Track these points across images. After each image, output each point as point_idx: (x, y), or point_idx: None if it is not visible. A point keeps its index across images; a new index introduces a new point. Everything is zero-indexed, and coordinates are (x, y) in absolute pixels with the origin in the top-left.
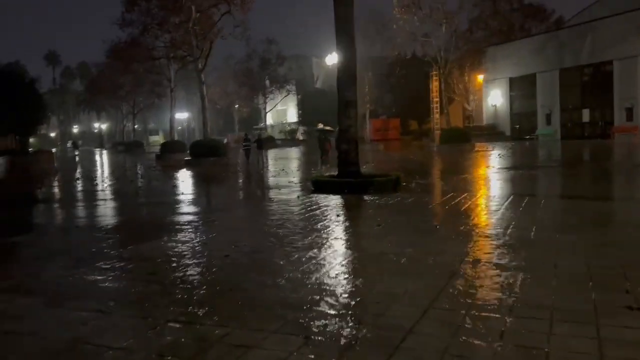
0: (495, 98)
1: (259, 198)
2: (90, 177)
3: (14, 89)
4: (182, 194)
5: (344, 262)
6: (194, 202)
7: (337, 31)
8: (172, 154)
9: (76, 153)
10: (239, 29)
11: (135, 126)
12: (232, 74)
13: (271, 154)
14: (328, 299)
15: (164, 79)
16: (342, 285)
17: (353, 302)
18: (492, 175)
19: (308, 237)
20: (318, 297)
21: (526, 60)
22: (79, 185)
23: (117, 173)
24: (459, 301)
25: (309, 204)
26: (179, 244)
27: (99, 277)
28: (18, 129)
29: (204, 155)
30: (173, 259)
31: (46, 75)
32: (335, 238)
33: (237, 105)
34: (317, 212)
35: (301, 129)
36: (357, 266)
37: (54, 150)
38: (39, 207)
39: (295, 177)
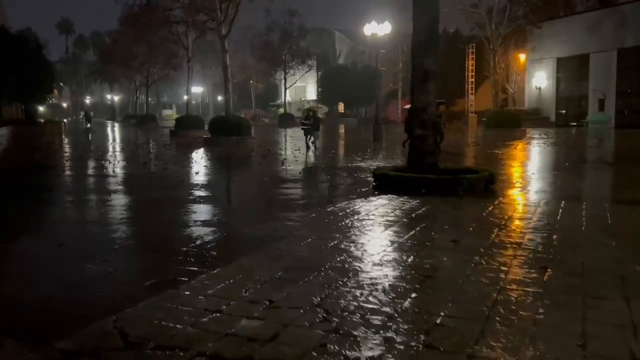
0: (539, 80)
1: (310, 199)
2: (98, 156)
3: (19, 55)
4: (205, 184)
5: None
6: (221, 202)
7: None
8: (187, 130)
9: (88, 126)
10: None
11: (149, 99)
12: (251, 47)
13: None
14: None
15: (181, 47)
16: None
17: None
18: (601, 172)
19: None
20: None
21: (577, 39)
22: (84, 167)
23: (128, 151)
24: None
25: (386, 214)
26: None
27: None
28: (24, 98)
29: (225, 133)
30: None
31: (59, 44)
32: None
33: (252, 81)
34: (414, 235)
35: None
36: None
37: (65, 121)
38: (22, 206)
39: (343, 165)
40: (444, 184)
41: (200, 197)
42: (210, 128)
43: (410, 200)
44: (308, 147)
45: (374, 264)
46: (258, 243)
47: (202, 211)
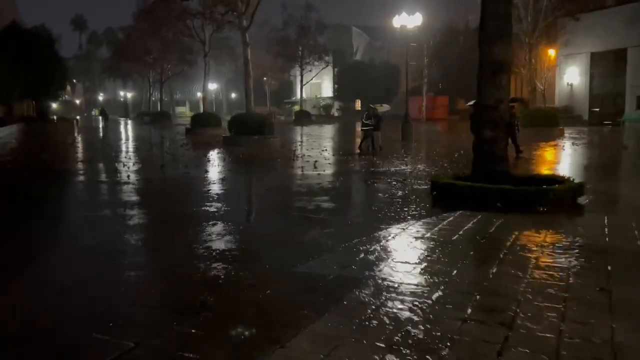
0: (571, 76)
1: (368, 217)
2: (111, 158)
3: (30, 50)
4: (234, 196)
5: None
6: (258, 223)
7: None
8: (204, 129)
9: (101, 125)
10: None
11: (162, 96)
12: (266, 43)
13: (317, 131)
14: None
15: (196, 42)
16: None
17: None
18: None
19: None
20: None
21: (614, 33)
22: (95, 171)
23: (143, 151)
24: None
25: (485, 243)
26: None
27: None
28: (35, 94)
29: (246, 132)
30: None
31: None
32: None
33: (265, 78)
34: (542, 280)
35: (337, 104)
36: None
37: (77, 118)
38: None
39: (382, 169)
40: (526, 196)
41: (231, 214)
42: (230, 126)
43: (494, 220)
44: (368, 149)
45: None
46: (325, 290)
47: (238, 238)
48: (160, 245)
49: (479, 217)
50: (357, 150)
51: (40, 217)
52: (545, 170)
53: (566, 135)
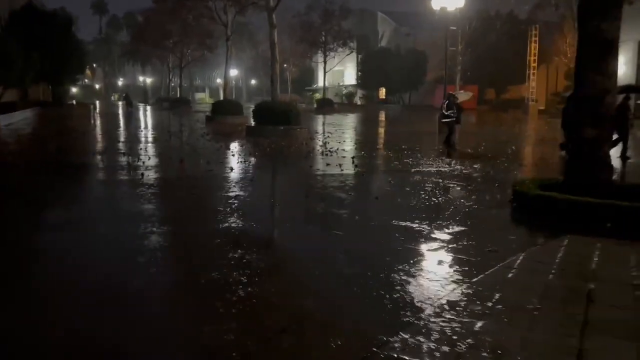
0: None
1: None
2: (124, 149)
3: (45, 31)
4: (269, 205)
5: None
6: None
7: None
8: (225, 116)
9: (122, 111)
10: None
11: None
12: (288, 28)
13: (341, 120)
14: None
15: (218, 25)
16: None
17: None
18: None
19: None
20: None
21: None
22: (105, 167)
23: (162, 142)
24: None
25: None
26: None
27: None
28: (52, 78)
29: (271, 121)
30: None
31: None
32: None
33: (285, 65)
34: None
35: (360, 92)
36: None
37: (97, 102)
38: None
39: (434, 168)
40: None
41: (272, 234)
42: (255, 115)
43: (623, 247)
44: (450, 145)
45: None
46: None
47: (291, 281)
48: (179, 292)
49: (599, 243)
50: (439, 147)
51: (29, 237)
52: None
53: None
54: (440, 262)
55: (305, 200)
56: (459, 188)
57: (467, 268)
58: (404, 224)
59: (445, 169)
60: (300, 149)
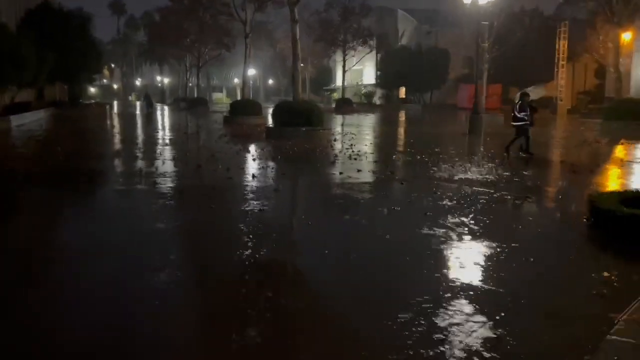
0: None
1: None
2: (139, 154)
3: (62, 31)
4: (299, 225)
5: None
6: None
7: None
8: (243, 117)
9: (140, 112)
10: None
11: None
12: (307, 27)
13: (360, 121)
14: None
15: (237, 21)
16: None
17: None
18: None
19: None
20: None
21: None
22: (116, 175)
23: (178, 145)
24: None
25: None
26: None
27: None
28: (68, 77)
29: (292, 123)
30: None
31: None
32: None
33: (302, 65)
34: None
35: (379, 92)
36: None
37: (115, 102)
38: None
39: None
40: None
41: (310, 267)
42: (275, 116)
43: None
44: (523, 151)
45: None
46: None
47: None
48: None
49: None
50: (505, 153)
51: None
52: None
53: None
54: (533, 318)
55: (343, 218)
56: (517, 201)
57: (577, 330)
58: (470, 256)
59: (493, 177)
60: (325, 152)
